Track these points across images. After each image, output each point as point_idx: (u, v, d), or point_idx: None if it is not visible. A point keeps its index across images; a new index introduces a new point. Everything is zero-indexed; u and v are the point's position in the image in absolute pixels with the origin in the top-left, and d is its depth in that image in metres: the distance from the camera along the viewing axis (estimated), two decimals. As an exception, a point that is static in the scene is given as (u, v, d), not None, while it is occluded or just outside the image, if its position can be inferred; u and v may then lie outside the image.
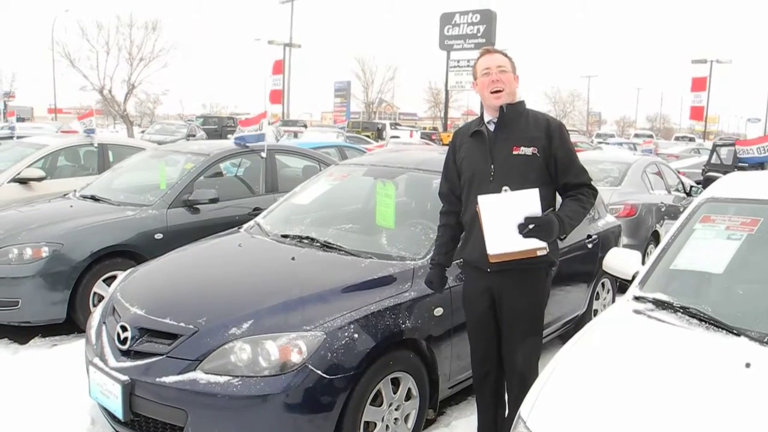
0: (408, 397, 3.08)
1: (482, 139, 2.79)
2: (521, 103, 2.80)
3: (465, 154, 2.85)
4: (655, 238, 7.27)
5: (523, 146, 2.70)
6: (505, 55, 2.79)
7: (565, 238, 2.82)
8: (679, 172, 9.55)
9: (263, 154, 6.18)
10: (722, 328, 2.21)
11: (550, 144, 2.72)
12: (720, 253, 2.54)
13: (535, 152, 2.70)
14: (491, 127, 2.78)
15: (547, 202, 2.71)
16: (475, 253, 2.73)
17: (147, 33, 29.57)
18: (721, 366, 2.03)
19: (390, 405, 2.97)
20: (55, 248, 4.61)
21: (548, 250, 2.59)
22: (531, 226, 2.52)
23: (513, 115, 2.75)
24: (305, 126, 34.82)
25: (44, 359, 4.13)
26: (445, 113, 32.29)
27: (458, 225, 2.94)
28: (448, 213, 2.98)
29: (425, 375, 3.12)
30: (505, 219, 2.54)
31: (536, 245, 2.56)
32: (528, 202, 2.55)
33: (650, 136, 37.80)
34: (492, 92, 2.72)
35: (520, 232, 2.53)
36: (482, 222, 2.58)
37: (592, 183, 2.82)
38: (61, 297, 4.60)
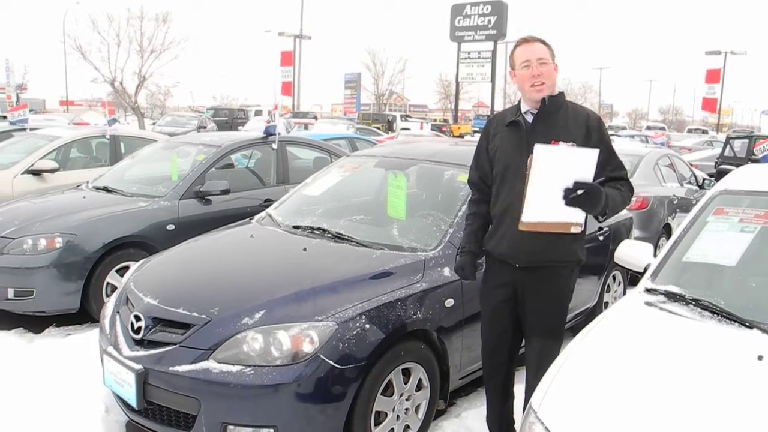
0: (419, 387, 3.09)
1: (519, 129, 2.70)
2: (561, 95, 2.72)
3: (499, 143, 2.76)
4: (667, 230, 7.23)
5: (561, 141, 2.58)
6: (545, 43, 2.68)
7: (604, 219, 2.68)
8: (691, 165, 9.48)
9: (274, 146, 6.19)
10: (734, 321, 2.21)
11: (590, 139, 2.62)
12: (733, 246, 2.52)
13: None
14: (529, 118, 2.70)
15: None
16: (503, 247, 2.65)
17: (158, 25, 29.76)
18: (733, 359, 2.03)
19: (401, 395, 2.99)
20: (69, 239, 4.66)
21: (582, 228, 2.48)
22: (579, 192, 2.39)
23: (553, 108, 2.66)
24: (315, 118, 34.84)
25: (59, 348, 4.18)
26: (456, 105, 32.26)
27: (489, 213, 2.85)
28: (479, 201, 2.90)
29: (436, 366, 3.14)
30: (554, 177, 2.39)
31: (573, 219, 2.45)
32: (584, 162, 2.39)
33: (662, 129, 37.54)
34: (533, 86, 2.64)
35: (566, 197, 2.40)
36: (529, 176, 2.39)
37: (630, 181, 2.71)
38: (75, 287, 4.65)
